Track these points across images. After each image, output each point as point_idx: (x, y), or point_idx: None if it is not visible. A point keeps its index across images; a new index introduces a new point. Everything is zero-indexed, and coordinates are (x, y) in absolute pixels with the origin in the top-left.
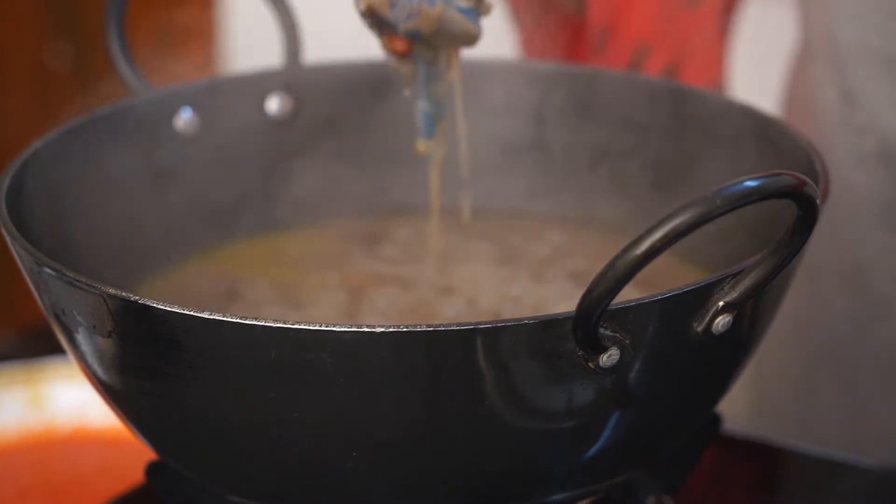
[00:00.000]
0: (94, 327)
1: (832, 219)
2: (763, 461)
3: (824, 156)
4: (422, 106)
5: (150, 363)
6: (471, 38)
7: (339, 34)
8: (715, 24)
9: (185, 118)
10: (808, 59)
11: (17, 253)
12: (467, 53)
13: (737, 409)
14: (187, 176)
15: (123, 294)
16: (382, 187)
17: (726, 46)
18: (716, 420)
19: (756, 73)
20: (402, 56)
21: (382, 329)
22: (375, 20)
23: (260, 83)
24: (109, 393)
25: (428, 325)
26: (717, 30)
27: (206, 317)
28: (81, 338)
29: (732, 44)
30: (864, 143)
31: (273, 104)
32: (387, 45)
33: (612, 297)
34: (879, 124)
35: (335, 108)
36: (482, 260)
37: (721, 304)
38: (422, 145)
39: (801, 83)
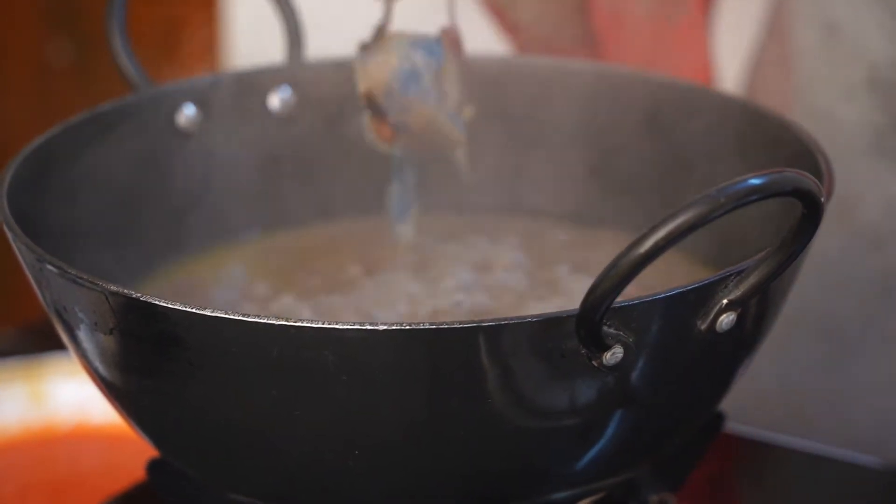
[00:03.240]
0: (95, 324)
1: None
2: (765, 460)
3: (810, 95)
4: (395, 191)
5: (151, 360)
6: (453, 144)
7: (341, 29)
8: (696, 32)
9: (187, 114)
10: (783, 9)
11: (19, 249)
12: (475, 50)
13: None
14: (189, 172)
15: (125, 291)
16: (387, 183)
17: (708, 47)
18: (719, 418)
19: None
20: (387, 141)
21: (385, 327)
22: (371, 103)
23: (262, 79)
24: (110, 390)
25: (431, 324)
26: (699, 36)
27: (209, 314)
28: (83, 334)
29: (713, 43)
30: (852, 74)
31: (275, 100)
32: (374, 128)
33: (616, 295)
34: (867, 51)
35: (338, 104)
36: (484, 257)
37: (725, 302)
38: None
39: (776, 36)
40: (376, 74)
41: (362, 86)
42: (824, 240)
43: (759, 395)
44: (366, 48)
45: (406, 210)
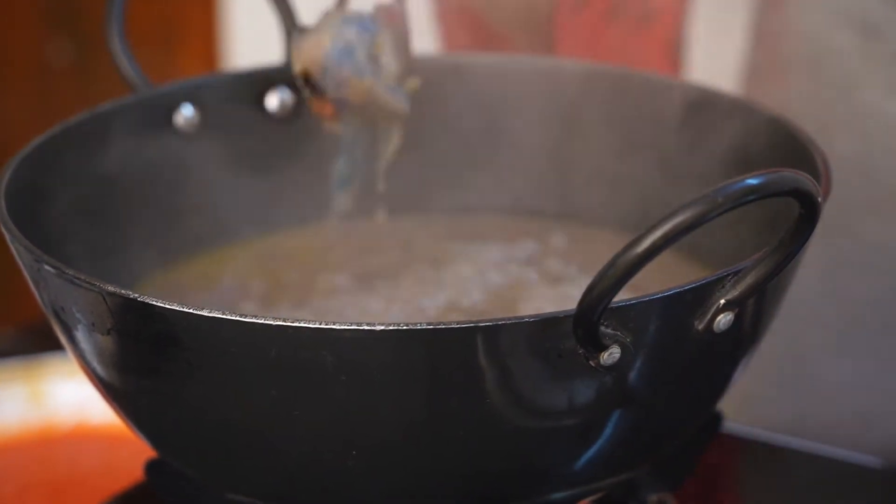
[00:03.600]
0: (93, 325)
1: (870, 155)
2: (765, 460)
3: (853, 95)
4: (339, 166)
5: (149, 361)
6: (397, 115)
7: None
8: (666, 42)
9: (185, 115)
10: (794, 19)
11: (17, 250)
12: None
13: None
14: (187, 172)
15: (123, 291)
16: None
17: (680, 61)
18: (717, 418)
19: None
20: (330, 118)
21: (383, 327)
22: (309, 83)
23: (260, 79)
24: (108, 390)
25: (428, 324)
26: (670, 47)
27: (206, 314)
28: (80, 335)
29: (688, 59)
30: (894, 70)
31: (273, 100)
32: (315, 107)
33: (613, 295)
34: None
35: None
36: (484, 258)
37: (722, 302)
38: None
39: (763, 42)
40: (311, 53)
41: (298, 66)
42: (885, 234)
43: (819, 399)
44: (303, 31)
45: (346, 183)
